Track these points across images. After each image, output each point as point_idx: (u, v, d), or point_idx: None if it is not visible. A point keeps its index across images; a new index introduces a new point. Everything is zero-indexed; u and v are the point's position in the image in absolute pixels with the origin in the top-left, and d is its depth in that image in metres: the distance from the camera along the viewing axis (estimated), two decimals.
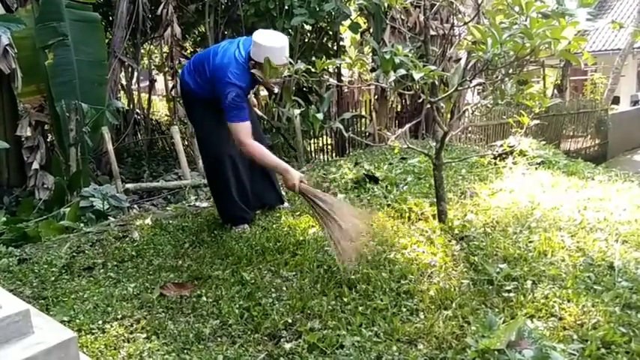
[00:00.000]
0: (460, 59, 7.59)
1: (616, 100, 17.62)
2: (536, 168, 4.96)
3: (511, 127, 9.26)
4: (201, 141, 3.72)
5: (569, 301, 2.45)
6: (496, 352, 1.95)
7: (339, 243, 2.90)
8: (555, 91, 15.01)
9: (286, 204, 4.06)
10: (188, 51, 10.55)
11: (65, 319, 2.57)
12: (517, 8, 2.66)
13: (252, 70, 3.22)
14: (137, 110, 9.89)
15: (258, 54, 3.16)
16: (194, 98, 3.54)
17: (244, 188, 3.61)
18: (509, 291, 2.58)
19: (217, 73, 3.26)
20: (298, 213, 3.83)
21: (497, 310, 2.45)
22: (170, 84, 9.05)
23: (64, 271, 3.21)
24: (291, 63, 3.05)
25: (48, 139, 6.78)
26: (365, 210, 3.22)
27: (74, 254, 3.45)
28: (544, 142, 7.11)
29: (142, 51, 10.19)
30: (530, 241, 3.09)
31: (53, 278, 3.10)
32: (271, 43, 3.16)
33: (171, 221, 3.92)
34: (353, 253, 2.86)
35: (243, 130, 3.17)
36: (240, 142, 3.18)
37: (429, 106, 3.29)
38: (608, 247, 2.97)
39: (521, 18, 2.64)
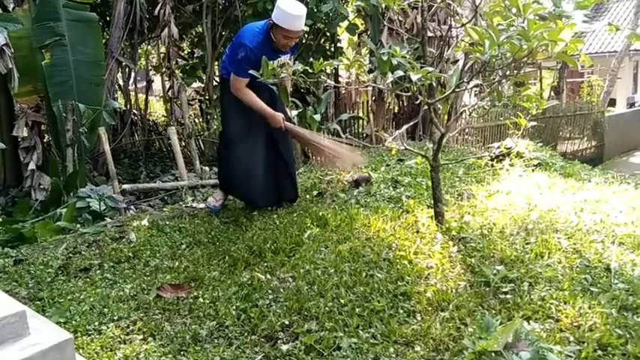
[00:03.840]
0: (457, 61, 7.59)
1: (612, 102, 17.68)
2: (532, 170, 4.97)
3: (508, 129, 9.29)
4: (224, 127, 4.14)
5: (565, 303, 2.45)
6: (493, 354, 1.95)
7: (338, 155, 3.77)
8: (552, 93, 15.03)
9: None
10: (185, 51, 10.53)
11: (61, 320, 2.57)
12: (514, 10, 2.66)
13: (272, 31, 3.63)
14: (134, 111, 9.85)
15: (278, 16, 3.58)
16: (227, 80, 3.88)
17: (251, 177, 3.89)
18: (506, 293, 2.59)
19: (236, 38, 3.79)
20: (295, 214, 3.83)
21: (494, 311, 2.45)
22: (167, 84, 9.01)
23: (60, 272, 3.20)
24: (288, 64, 3.05)
25: (44, 140, 6.74)
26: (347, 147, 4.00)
27: (70, 255, 3.44)
28: (541, 144, 7.13)
29: (140, 51, 10.15)
30: (527, 243, 3.10)
31: (49, 279, 3.09)
32: (291, 9, 3.55)
33: (168, 222, 3.91)
34: (353, 159, 3.82)
35: (241, 82, 3.71)
36: (237, 88, 3.74)
37: (426, 107, 3.30)
38: (605, 249, 2.98)
39: (518, 20, 2.64)
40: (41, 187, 6.17)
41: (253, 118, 3.80)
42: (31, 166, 6.26)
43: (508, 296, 2.55)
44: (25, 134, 6.35)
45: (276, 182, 4.03)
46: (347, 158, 3.97)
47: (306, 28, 8.46)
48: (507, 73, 2.95)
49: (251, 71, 3.28)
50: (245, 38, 3.67)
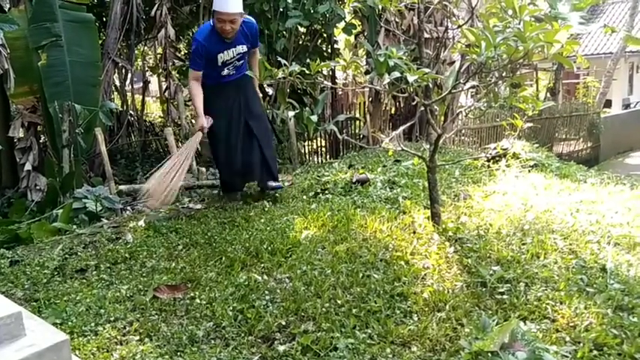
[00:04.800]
0: (454, 62, 7.61)
1: (608, 104, 17.74)
2: (529, 171, 4.99)
3: (504, 130, 9.32)
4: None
5: (561, 303, 2.46)
6: (489, 354, 1.96)
7: (159, 187, 3.84)
8: (548, 94, 15.09)
9: (279, 183, 4.44)
10: (182, 52, 10.50)
11: (57, 321, 2.56)
12: (510, 12, 2.67)
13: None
14: (131, 111, 9.81)
15: (213, 3, 3.95)
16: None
17: (232, 162, 4.27)
18: (502, 293, 2.59)
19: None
20: (292, 215, 3.83)
21: (490, 312, 2.46)
22: (164, 85, 8.99)
23: (56, 273, 3.20)
24: (285, 65, 3.06)
25: (41, 140, 6.72)
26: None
27: (67, 256, 3.43)
28: (537, 145, 7.15)
29: (136, 52, 10.12)
30: (523, 244, 3.11)
31: (45, 280, 3.08)
32: None
33: (164, 223, 3.90)
34: (158, 202, 3.90)
35: (192, 73, 4.12)
36: (189, 79, 4.15)
37: (422, 108, 3.30)
38: (601, 250, 2.99)
39: (514, 21, 2.65)
40: (37, 187, 6.15)
41: (230, 113, 4.19)
42: (27, 166, 6.24)
43: (504, 296, 2.56)
44: (21, 135, 6.34)
45: (252, 168, 4.31)
46: (157, 197, 3.94)
47: (303, 29, 8.47)
48: (503, 74, 2.95)
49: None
50: (197, 34, 4.14)
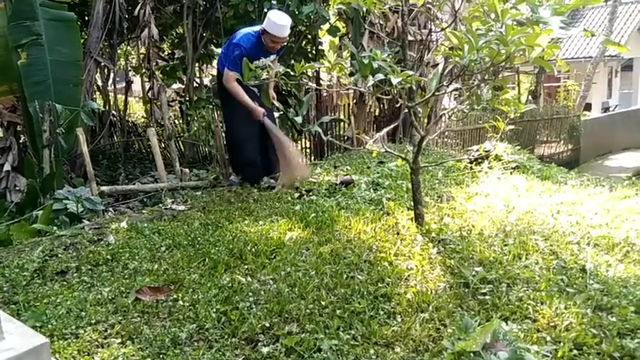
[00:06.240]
0: (437, 65, 7.66)
1: (588, 107, 18.03)
2: (511, 172, 5.05)
3: (487, 132, 9.41)
4: (226, 119, 5.21)
5: (542, 304, 2.50)
6: (472, 355, 1.98)
7: (286, 170, 4.56)
8: (529, 97, 15.29)
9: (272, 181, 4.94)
10: (165, 52, 10.42)
11: (37, 324, 2.51)
12: (493, 15, 2.71)
13: (262, 36, 4.49)
14: (113, 112, 9.70)
15: (267, 24, 4.45)
16: (221, 82, 4.75)
17: (256, 160, 4.86)
18: (484, 294, 2.62)
19: (233, 39, 4.65)
20: (276, 216, 3.83)
21: (473, 312, 2.48)
22: (147, 85, 8.90)
23: (36, 275, 3.14)
24: (270, 66, 3.06)
25: (20, 141, 6.60)
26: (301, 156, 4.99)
27: (47, 258, 3.37)
28: (519, 147, 7.24)
29: (119, 52, 10.01)
30: (505, 245, 3.14)
31: (25, 282, 3.03)
32: (277, 20, 4.43)
33: (147, 224, 3.87)
34: (292, 182, 4.56)
35: (232, 76, 4.49)
36: (227, 80, 4.57)
37: (406, 110, 3.32)
38: (581, 251, 3.04)
39: (496, 25, 2.69)
40: (17, 188, 6.04)
41: (250, 118, 4.62)
42: (7, 167, 6.13)
43: (487, 297, 2.59)
44: (1, 135, 6.23)
45: (268, 161, 4.96)
46: (297, 168, 4.69)
47: (288, 31, 8.46)
48: (486, 77, 2.99)
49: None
50: (241, 40, 4.52)
